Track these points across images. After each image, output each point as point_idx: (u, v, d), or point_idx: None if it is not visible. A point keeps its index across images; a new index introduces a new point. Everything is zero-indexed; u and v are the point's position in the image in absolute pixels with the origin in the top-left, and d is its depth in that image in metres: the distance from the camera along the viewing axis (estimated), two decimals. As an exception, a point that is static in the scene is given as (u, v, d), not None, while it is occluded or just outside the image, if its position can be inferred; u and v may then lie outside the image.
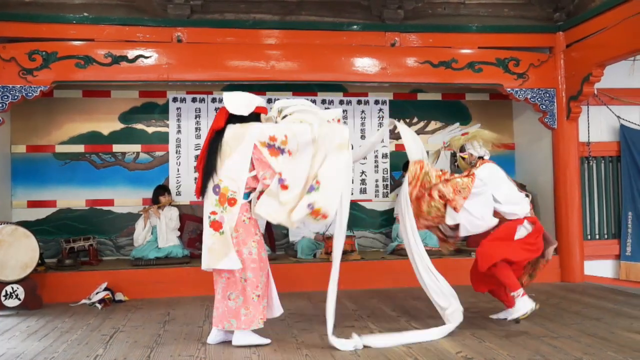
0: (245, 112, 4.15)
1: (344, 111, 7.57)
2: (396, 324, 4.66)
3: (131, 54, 6.15)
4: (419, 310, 5.15)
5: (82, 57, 6.05)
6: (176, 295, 6.01)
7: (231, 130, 4.08)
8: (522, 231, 4.62)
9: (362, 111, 7.65)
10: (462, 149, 4.96)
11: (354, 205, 7.07)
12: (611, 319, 4.71)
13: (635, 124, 7.12)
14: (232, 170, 4.01)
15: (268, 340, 4.10)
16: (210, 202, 4.06)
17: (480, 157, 4.86)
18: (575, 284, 6.56)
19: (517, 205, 4.67)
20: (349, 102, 7.62)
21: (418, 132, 7.70)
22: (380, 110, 7.69)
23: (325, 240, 6.69)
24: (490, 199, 4.59)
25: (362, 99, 7.66)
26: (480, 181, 4.55)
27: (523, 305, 4.50)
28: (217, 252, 3.98)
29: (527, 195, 4.81)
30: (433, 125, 7.82)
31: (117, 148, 7.20)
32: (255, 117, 4.21)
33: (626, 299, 5.64)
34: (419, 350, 3.86)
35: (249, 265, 4.02)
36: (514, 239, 4.57)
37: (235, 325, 4.02)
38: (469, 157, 4.91)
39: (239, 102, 4.19)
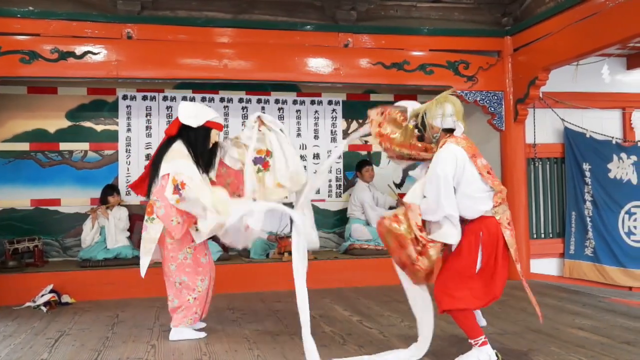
0: (194, 124, 4.26)
1: (297, 111, 7.59)
2: (348, 324, 4.69)
3: (79, 50, 5.99)
4: (372, 310, 5.20)
5: (27, 52, 5.85)
6: (125, 297, 5.89)
7: (175, 146, 4.24)
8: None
9: (316, 111, 7.67)
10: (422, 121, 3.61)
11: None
12: (555, 315, 4.86)
13: (578, 126, 7.37)
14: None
15: (203, 334, 4.30)
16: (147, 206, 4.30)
17: (447, 130, 3.52)
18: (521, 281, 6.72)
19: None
20: (302, 102, 7.63)
21: (370, 133, 7.78)
22: (334, 110, 7.72)
23: (277, 240, 6.68)
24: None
25: (316, 99, 7.68)
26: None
27: (478, 356, 3.42)
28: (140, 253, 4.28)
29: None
30: (385, 126, 7.88)
31: (64, 146, 7.00)
32: (204, 131, 4.32)
33: (569, 295, 5.84)
34: (369, 349, 3.89)
35: (183, 270, 4.26)
36: (475, 269, 3.42)
37: (172, 323, 4.30)
38: (429, 131, 3.56)
39: (189, 113, 4.33)
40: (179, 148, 4.24)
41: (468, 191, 3.36)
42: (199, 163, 4.25)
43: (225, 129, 7.35)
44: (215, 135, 4.40)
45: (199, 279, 4.29)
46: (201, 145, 4.31)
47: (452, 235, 3.38)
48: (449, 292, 3.41)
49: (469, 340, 3.46)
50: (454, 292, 3.39)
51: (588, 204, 7.29)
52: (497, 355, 3.42)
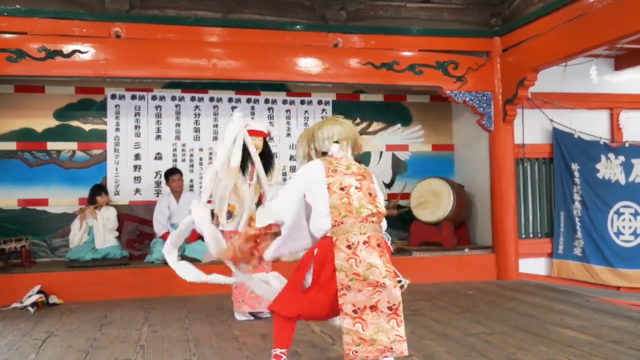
0: None
1: (287, 111, 7.58)
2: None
3: (67, 48, 5.94)
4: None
5: (14, 50, 5.80)
6: (114, 298, 5.86)
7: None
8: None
9: (306, 111, 7.67)
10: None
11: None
12: (543, 315, 4.89)
13: (566, 127, 7.41)
14: None
15: None
16: None
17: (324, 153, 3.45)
18: (510, 281, 6.77)
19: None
20: (292, 102, 7.62)
21: (361, 133, 7.80)
22: (324, 110, 7.72)
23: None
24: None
25: (306, 99, 7.68)
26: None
27: None
28: None
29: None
30: (375, 126, 7.91)
31: (51, 146, 6.95)
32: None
33: (557, 295, 5.87)
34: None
35: None
36: (302, 285, 3.25)
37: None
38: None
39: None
40: None
41: (314, 208, 3.23)
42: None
43: (214, 128, 7.34)
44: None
45: None
46: None
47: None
48: (281, 295, 3.35)
49: (273, 349, 3.29)
50: (284, 297, 3.32)
51: (577, 204, 7.33)
52: None
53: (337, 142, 3.39)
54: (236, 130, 4.47)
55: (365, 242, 3.11)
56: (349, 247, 3.10)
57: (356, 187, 3.22)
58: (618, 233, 7.40)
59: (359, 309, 3.06)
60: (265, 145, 4.90)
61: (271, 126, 5.11)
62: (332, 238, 3.13)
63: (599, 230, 7.31)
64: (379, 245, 3.15)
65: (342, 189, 3.20)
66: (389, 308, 3.08)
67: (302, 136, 3.55)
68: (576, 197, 7.33)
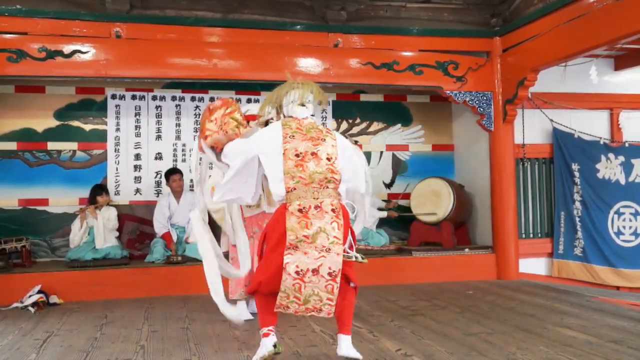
0: None
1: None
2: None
3: (67, 48, 5.95)
4: (361, 309, 5.20)
5: (14, 50, 5.81)
6: (114, 298, 5.86)
7: None
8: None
9: (306, 111, 7.65)
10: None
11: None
12: (544, 314, 4.89)
13: (566, 127, 7.42)
14: None
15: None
16: None
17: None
18: (511, 281, 6.77)
19: None
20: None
21: (361, 133, 7.83)
22: (324, 110, 7.72)
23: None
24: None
25: (306, 98, 7.66)
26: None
27: (262, 345, 3.38)
28: None
29: None
30: (375, 126, 7.91)
31: (52, 146, 6.95)
32: None
33: (557, 295, 5.87)
34: (360, 348, 3.89)
35: None
36: (260, 253, 3.41)
37: None
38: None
39: None
40: None
41: (270, 174, 3.30)
42: None
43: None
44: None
45: None
46: None
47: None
48: (254, 275, 3.46)
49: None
50: (255, 274, 3.44)
51: (577, 204, 7.33)
52: (275, 346, 3.34)
53: (302, 104, 3.48)
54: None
55: (317, 207, 3.19)
56: (300, 211, 3.19)
57: (312, 153, 3.29)
58: (618, 233, 7.40)
59: (302, 270, 3.15)
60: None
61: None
62: (286, 203, 3.22)
63: (599, 230, 7.32)
64: (333, 210, 3.20)
65: (297, 155, 3.28)
66: (329, 274, 3.18)
67: (267, 100, 3.62)
68: (576, 197, 7.33)
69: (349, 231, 3.31)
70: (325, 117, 7.71)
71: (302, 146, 3.29)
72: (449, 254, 6.91)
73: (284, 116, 3.55)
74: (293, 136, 3.32)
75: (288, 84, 3.58)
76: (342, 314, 3.39)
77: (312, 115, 3.54)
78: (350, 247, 3.29)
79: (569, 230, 7.36)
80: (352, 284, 3.39)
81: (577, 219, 7.30)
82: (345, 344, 3.41)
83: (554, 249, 7.43)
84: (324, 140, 3.35)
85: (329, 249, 3.16)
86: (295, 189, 3.22)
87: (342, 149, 3.40)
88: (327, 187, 3.25)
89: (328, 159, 3.30)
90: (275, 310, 3.27)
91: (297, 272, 3.15)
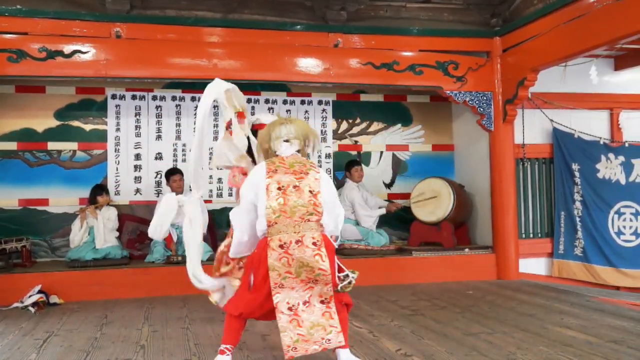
0: None
1: (287, 111, 7.59)
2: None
3: (67, 48, 5.95)
4: (362, 309, 5.20)
5: (14, 50, 5.81)
6: (114, 298, 5.86)
7: None
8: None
9: (306, 111, 7.67)
10: None
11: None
12: (543, 314, 4.89)
13: (566, 127, 7.42)
14: None
15: None
16: None
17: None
18: (510, 281, 6.78)
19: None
20: (292, 102, 7.62)
21: (361, 133, 7.84)
22: (324, 110, 7.73)
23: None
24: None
25: (306, 99, 7.68)
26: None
27: None
28: None
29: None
30: (375, 126, 7.91)
31: (52, 146, 6.96)
32: None
33: (557, 295, 5.88)
34: (359, 348, 3.90)
35: None
36: (247, 285, 3.39)
37: None
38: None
39: None
40: None
41: (258, 210, 3.30)
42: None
43: (215, 128, 7.35)
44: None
45: None
46: None
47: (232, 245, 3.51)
48: (234, 295, 3.54)
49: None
50: (234, 296, 3.51)
51: (577, 204, 7.32)
52: None
53: (287, 141, 3.46)
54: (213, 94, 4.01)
55: (298, 241, 3.18)
56: (281, 246, 3.18)
57: (294, 186, 3.28)
58: (619, 233, 7.39)
59: (293, 306, 3.17)
60: None
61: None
62: (267, 238, 3.22)
63: (599, 230, 7.31)
64: (314, 243, 3.19)
65: (279, 188, 3.27)
66: (322, 302, 3.19)
67: (260, 137, 3.61)
68: (577, 197, 7.32)
69: (335, 263, 3.29)
70: (326, 117, 7.72)
71: (284, 179, 3.29)
72: (449, 254, 6.91)
73: (271, 151, 3.51)
74: (276, 170, 3.32)
75: (276, 121, 3.59)
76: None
77: (298, 152, 3.50)
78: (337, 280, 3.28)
79: (569, 230, 7.36)
80: (343, 303, 3.39)
81: (578, 219, 7.30)
82: (344, 355, 3.37)
83: (554, 249, 7.43)
84: (307, 173, 3.34)
85: (316, 281, 3.18)
86: (276, 222, 3.21)
87: (325, 184, 3.38)
88: (309, 221, 3.24)
89: (311, 192, 3.28)
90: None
91: (289, 309, 3.17)
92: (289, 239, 3.18)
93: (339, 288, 3.25)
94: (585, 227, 7.29)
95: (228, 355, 3.41)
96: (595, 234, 7.30)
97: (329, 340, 3.17)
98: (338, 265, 3.30)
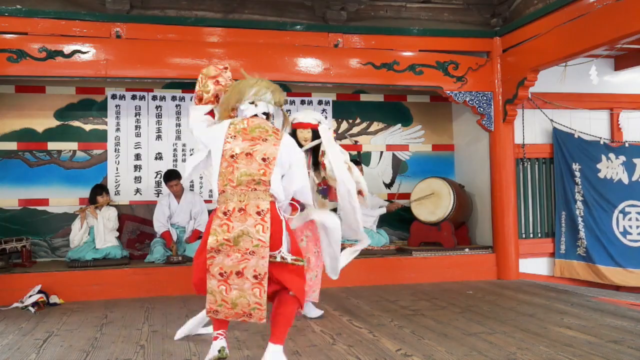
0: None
1: (287, 111, 7.57)
2: (338, 323, 4.69)
3: (67, 48, 5.96)
4: (362, 310, 5.21)
5: (14, 50, 5.81)
6: (114, 297, 5.87)
7: None
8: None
9: (306, 111, 7.66)
10: None
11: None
12: (544, 314, 4.89)
13: (566, 127, 7.42)
14: None
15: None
16: None
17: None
18: (510, 281, 6.78)
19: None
20: (292, 102, 7.62)
21: (360, 133, 7.83)
22: (324, 110, 7.73)
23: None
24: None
25: (306, 99, 7.68)
26: None
27: (211, 348, 3.46)
28: None
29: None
30: (375, 126, 7.91)
31: (52, 146, 6.96)
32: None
33: (557, 295, 5.87)
34: (359, 348, 3.90)
35: None
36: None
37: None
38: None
39: None
40: None
41: (211, 171, 3.38)
42: None
43: (215, 128, 7.33)
44: (300, 135, 4.66)
45: None
46: None
47: None
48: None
49: None
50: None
51: (579, 204, 7.28)
52: (219, 351, 3.36)
53: (252, 103, 3.47)
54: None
55: (241, 210, 3.19)
56: (225, 213, 3.20)
57: (247, 154, 3.27)
58: (625, 232, 7.32)
59: (225, 272, 3.17)
60: (316, 136, 4.70)
61: (323, 117, 4.90)
62: (218, 206, 3.26)
63: (602, 230, 7.24)
64: (257, 213, 3.18)
65: (232, 156, 3.28)
66: (255, 277, 3.17)
67: (226, 96, 3.58)
68: (578, 196, 7.29)
69: (284, 234, 3.28)
70: (326, 117, 7.71)
71: (239, 147, 3.29)
72: (449, 254, 6.92)
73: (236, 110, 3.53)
74: (235, 136, 3.32)
75: (244, 81, 3.57)
76: (274, 321, 3.33)
77: (265, 114, 3.50)
78: (291, 252, 3.28)
79: (571, 230, 7.31)
80: (291, 293, 3.29)
81: (580, 219, 7.24)
82: (269, 354, 3.27)
83: (555, 248, 7.40)
84: (265, 140, 3.31)
85: (253, 252, 3.15)
86: (224, 191, 3.25)
87: (285, 151, 3.34)
88: (256, 190, 3.23)
89: (263, 159, 3.26)
90: (207, 315, 3.28)
91: (220, 274, 3.17)
92: (232, 207, 3.20)
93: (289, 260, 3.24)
94: (588, 227, 7.23)
95: (222, 339, 3.39)
96: (598, 234, 7.23)
97: (250, 315, 3.18)
98: (287, 244, 3.28)
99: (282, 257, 3.22)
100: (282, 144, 3.34)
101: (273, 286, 3.25)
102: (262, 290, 3.15)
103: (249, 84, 3.53)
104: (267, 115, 3.52)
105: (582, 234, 7.26)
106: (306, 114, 4.87)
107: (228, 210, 3.19)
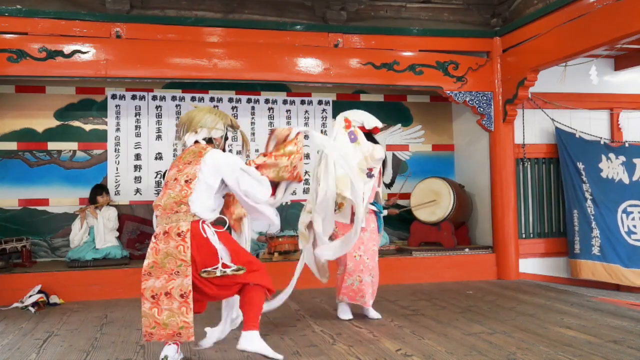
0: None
1: (287, 111, 7.59)
2: (338, 323, 4.69)
3: (67, 48, 5.96)
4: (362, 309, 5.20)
5: (14, 50, 5.82)
6: (114, 297, 5.87)
7: None
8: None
9: (306, 111, 7.67)
10: None
11: (296, 205, 7.09)
12: (543, 314, 4.89)
13: (568, 126, 7.41)
14: None
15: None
16: None
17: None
18: (511, 281, 6.78)
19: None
20: (292, 102, 7.62)
21: (360, 133, 7.81)
22: (324, 110, 7.73)
23: (267, 240, 6.67)
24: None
25: (306, 99, 7.68)
26: None
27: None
28: None
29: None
30: (375, 126, 7.89)
31: (52, 146, 6.96)
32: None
33: (557, 295, 5.88)
34: (359, 348, 3.90)
35: None
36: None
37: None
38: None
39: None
40: None
41: None
42: None
43: (215, 128, 7.33)
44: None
45: None
46: None
47: None
48: None
49: None
50: None
51: (589, 202, 7.13)
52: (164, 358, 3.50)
53: (193, 131, 3.62)
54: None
55: (165, 232, 3.35)
56: (155, 237, 3.42)
57: (175, 179, 3.44)
58: (629, 232, 7.21)
59: (156, 294, 3.34)
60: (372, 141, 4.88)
61: (379, 122, 5.07)
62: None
63: (611, 229, 7.11)
64: (178, 234, 3.33)
65: (165, 184, 3.51)
66: (181, 295, 3.30)
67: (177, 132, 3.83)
68: (587, 195, 7.18)
69: (220, 248, 3.37)
70: (326, 117, 7.72)
71: (171, 174, 3.49)
72: (449, 254, 6.92)
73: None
74: (172, 167, 3.55)
75: (183, 116, 3.74)
76: (242, 311, 3.54)
77: (207, 139, 3.62)
78: (234, 262, 3.40)
79: (584, 228, 7.09)
80: (251, 284, 3.45)
81: (592, 217, 7.07)
82: (243, 339, 3.44)
83: (569, 248, 7.19)
84: (197, 163, 3.42)
85: (178, 272, 3.31)
86: (158, 216, 3.45)
87: (207, 166, 3.41)
88: (178, 212, 3.37)
89: (186, 181, 3.40)
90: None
91: (152, 297, 3.34)
92: (159, 230, 3.40)
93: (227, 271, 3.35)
94: (600, 225, 7.07)
95: (173, 346, 3.54)
96: (608, 233, 7.07)
97: (180, 334, 3.32)
98: (221, 258, 3.36)
99: (222, 272, 3.35)
100: (202, 161, 3.44)
101: (234, 289, 3.48)
102: (188, 309, 3.29)
103: (188, 116, 3.68)
104: (210, 140, 3.64)
105: (596, 232, 7.06)
106: (369, 119, 5.07)
107: (158, 234, 3.40)
